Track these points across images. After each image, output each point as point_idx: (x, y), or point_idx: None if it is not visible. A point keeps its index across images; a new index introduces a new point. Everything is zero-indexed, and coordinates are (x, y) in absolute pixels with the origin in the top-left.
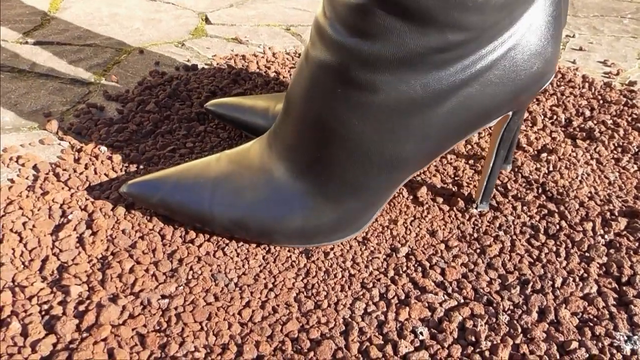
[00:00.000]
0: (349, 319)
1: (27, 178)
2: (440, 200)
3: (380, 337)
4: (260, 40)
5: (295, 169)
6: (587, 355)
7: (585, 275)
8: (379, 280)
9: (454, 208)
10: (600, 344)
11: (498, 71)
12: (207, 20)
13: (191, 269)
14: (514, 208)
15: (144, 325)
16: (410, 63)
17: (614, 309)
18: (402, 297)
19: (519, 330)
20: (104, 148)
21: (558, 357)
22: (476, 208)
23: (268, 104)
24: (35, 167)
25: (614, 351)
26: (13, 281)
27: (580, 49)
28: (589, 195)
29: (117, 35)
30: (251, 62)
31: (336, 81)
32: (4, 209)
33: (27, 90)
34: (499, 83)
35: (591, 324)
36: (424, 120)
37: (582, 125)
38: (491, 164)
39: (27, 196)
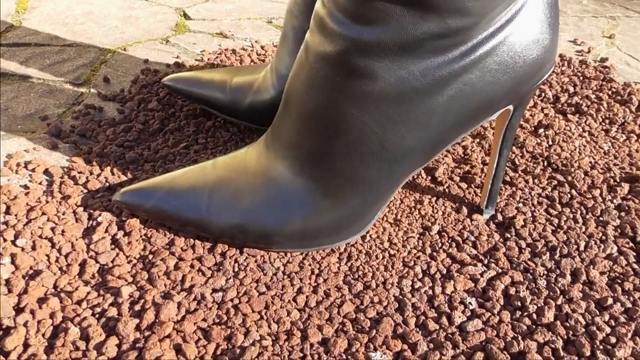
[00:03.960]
0: (400, 297)
1: (40, 183)
2: (457, 179)
3: (433, 310)
4: (245, 34)
5: (294, 167)
6: (623, 309)
7: (604, 237)
8: (418, 258)
9: (472, 185)
10: (631, 298)
11: (497, 57)
12: (186, 16)
13: (236, 261)
14: (526, 181)
15: (204, 320)
16: (410, 49)
17: (636, 266)
18: (444, 272)
19: (558, 292)
20: (115, 148)
21: (598, 313)
22: (482, 214)
23: (225, 78)
24: (47, 172)
25: None
26: (55, 287)
27: None
28: (590, 165)
29: (96, 34)
30: (243, 56)
31: (336, 71)
32: (26, 216)
33: (16, 94)
34: (498, 70)
35: (619, 281)
36: (424, 108)
37: (569, 101)
38: (495, 166)
39: (47, 201)
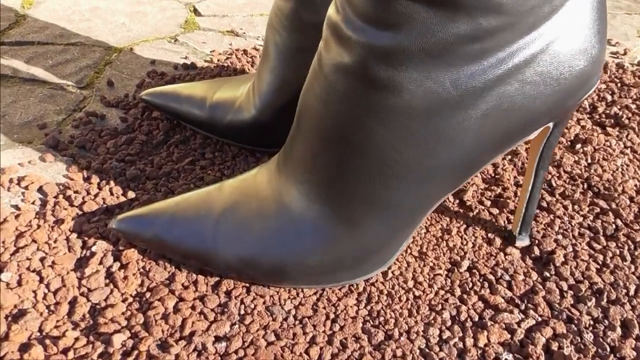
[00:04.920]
0: (427, 350)
1: (33, 203)
2: (487, 203)
3: None
4: (257, 32)
5: (310, 192)
6: None
7: None
8: (446, 300)
9: (504, 210)
10: None
11: (539, 67)
12: (196, 12)
13: (242, 302)
14: (565, 208)
15: None
16: (439, 56)
17: None
18: (476, 319)
19: (608, 349)
20: (115, 163)
21: None
22: (515, 242)
23: (206, 94)
24: (41, 190)
25: None
26: (40, 331)
27: None
28: (636, 188)
29: (102, 31)
30: (255, 57)
31: (355, 83)
32: (14, 244)
33: (14, 99)
34: (540, 82)
35: None
36: (456, 123)
37: (607, 111)
38: (530, 188)
39: (39, 226)
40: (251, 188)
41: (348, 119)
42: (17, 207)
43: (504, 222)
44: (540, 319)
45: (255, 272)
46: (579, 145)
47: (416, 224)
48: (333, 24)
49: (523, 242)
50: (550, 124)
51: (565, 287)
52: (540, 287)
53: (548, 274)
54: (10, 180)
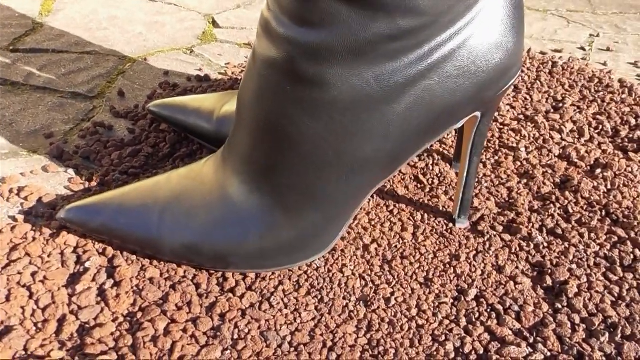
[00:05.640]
0: None
1: (31, 215)
2: (499, 228)
3: None
4: None
5: (250, 182)
6: None
7: None
8: (451, 331)
9: (517, 237)
10: None
11: (457, 62)
12: (214, 24)
13: (236, 326)
14: (581, 235)
15: None
16: (361, 53)
17: None
18: (481, 352)
19: None
20: (117, 176)
21: None
22: (454, 224)
23: (214, 107)
24: (40, 201)
25: None
26: (25, 350)
27: (608, 50)
28: None
29: (118, 41)
30: None
31: (285, 78)
32: (7, 256)
33: (24, 107)
34: (459, 76)
35: None
36: (381, 117)
37: (630, 136)
38: (465, 174)
39: (34, 239)
40: (198, 178)
41: (280, 112)
42: (14, 219)
43: (516, 249)
44: (549, 353)
45: (199, 259)
46: (598, 170)
47: (351, 212)
48: (265, 20)
49: (463, 224)
50: (478, 114)
51: (577, 321)
52: (551, 319)
53: (560, 306)
54: (10, 191)
